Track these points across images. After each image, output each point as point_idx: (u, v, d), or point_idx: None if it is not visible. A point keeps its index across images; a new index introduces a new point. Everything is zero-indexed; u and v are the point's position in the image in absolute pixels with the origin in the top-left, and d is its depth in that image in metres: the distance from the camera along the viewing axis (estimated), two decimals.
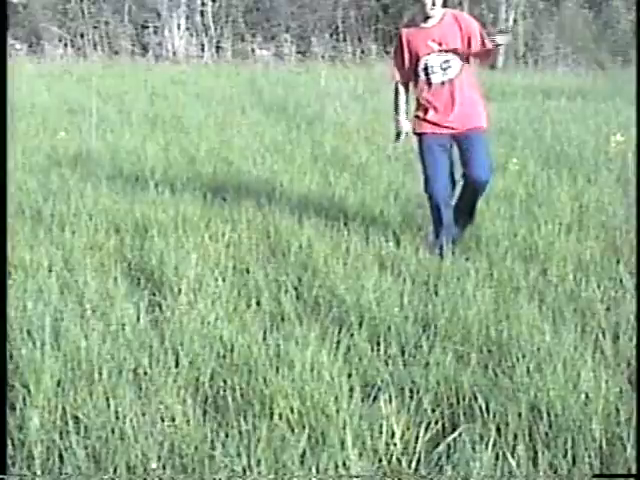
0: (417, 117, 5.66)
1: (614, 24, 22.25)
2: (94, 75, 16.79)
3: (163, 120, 11.56)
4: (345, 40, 23.06)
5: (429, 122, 5.58)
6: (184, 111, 12.39)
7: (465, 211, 5.78)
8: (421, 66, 5.53)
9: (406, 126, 5.72)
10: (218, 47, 24.12)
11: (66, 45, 23.72)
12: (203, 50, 24.19)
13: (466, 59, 5.51)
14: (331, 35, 23.77)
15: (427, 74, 5.55)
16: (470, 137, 5.52)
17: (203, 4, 24.53)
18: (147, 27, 24.36)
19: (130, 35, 24.10)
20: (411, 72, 5.61)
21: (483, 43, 5.42)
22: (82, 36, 23.64)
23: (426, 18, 5.47)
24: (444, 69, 5.50)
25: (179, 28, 24.38)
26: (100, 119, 11.07)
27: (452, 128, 5.53)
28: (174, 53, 24.06)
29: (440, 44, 5.46)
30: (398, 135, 5.78)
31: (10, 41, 21.24)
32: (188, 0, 24.57)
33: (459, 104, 5.52)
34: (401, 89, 5.72)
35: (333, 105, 12.31)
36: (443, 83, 5.54)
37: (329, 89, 13.87)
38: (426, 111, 5.60)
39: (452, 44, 5.45)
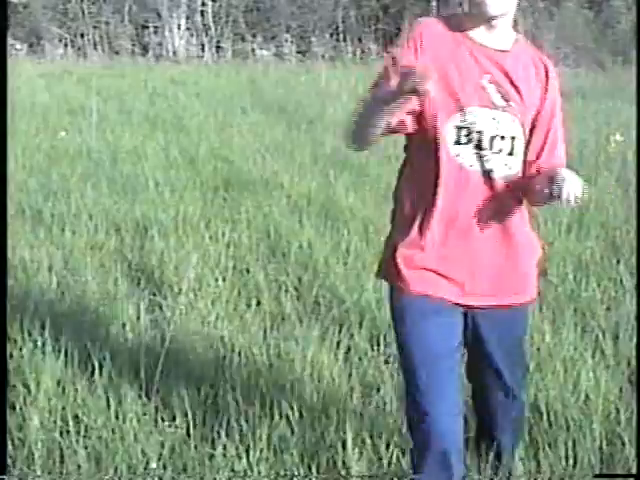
0: (392, 255, 2.65)
1: (614, 24, 22.24)
2: (94, 75, 16.79)
3: (163, 120, 11.55)
4: (345, 40, 23.07)
5: (427, 271, 2.61)
6: (184, 111, 12.39)
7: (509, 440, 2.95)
8: (450, 123, 2.54)
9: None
10: (218, 47, 24.12)
11: (66, 45, 23.72)
12: (203, 50, 24.19)
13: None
14: (331, 35, 23.77)
15: (458, 150, 2.56)
16: (504, 321, 2.71)
17: (203, 4, 24.53)
18: (147, 27, 24.36)
19: (130, 35, 24.09)
20: (427, 125, 2.57)
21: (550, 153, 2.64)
22: (82, 36, 23.63)
23: (483, 24, 2.56)
24: (501, 153, 2.58)
25: (179, 28, 24.38)
26: (100, 119, 11.06)
27: (478, 300, 2.65)
28: (174, 53, 24.05)
29: (505, 95, 2.55)
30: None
31: (10, 41, 21.24)
32: (188, 0, 24.57)
33: (506, 246, 2.65)
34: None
35: (333, 105, 12.30)
36: (492, 188, 2.59)
37: (329, 89, 13.86)
38: (419, 243, 2.61)
39: (528, 106, 2.59)
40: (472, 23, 2.57)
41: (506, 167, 2.58)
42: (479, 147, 2.56)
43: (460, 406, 2.67)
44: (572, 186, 2.42)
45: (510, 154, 2.58)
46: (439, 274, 2.60)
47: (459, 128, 2.54)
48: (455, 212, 2.58)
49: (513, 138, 2.57)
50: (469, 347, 2.74)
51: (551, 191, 2.43)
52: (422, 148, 2.59)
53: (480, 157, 2.57)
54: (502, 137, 2.56)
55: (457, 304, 2.62)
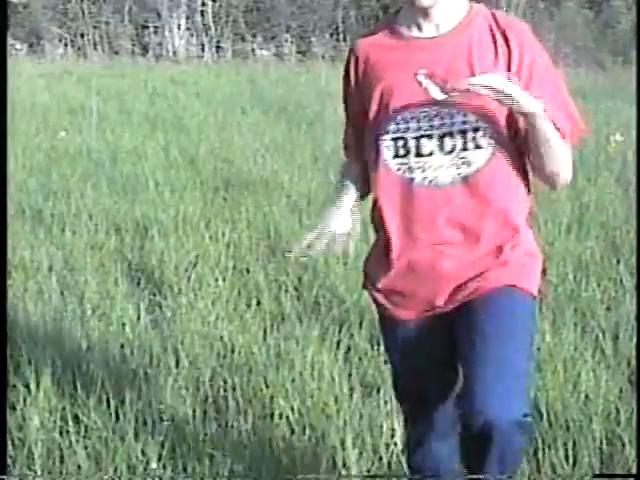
0: (366, 272, 2.57)
1: (614, 24, 22.24)
2: (94, 75, 16.79)
3: (163, 120, 11.54)
4: (345, 40, 23.04)
5: (394, 294, 2.44)
6: (184, 111, 12.38)
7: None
8: (386, 136, 2.35)
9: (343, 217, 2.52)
10: (218, 47, 24.11)
11: (66, 45, 23.72)
12: (203, 50, 24.19)
13: (509, 135, 2.34)
14: (331, 35, 23.76)
15: (400, 162, 2.35)
16: (488, 310, 2.33)
17: (203, 4, 24.52)
18: (147, 27, 24.35)
19: (130, 35, 24.09)
20: (370, 145, 2.41)
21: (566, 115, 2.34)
22: (82, 36, 23.63)
23: (419, 15, 2.34)
24: (455, 151, 2.32)
25: (179, 28, 24.37)
26: (100, 119, 11.06)
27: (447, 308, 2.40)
28: (174, 53, 24.05)
29: (444, 85, 2.29)
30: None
31: (10, 41, 21.23)
32: (188, 0, 24.57)
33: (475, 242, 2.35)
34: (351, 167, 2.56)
35: (333, 105, 12.29)
36: (449, 194, 2.34)
37: (329, 89, 13.84)
38: (387, 265, 2.43)
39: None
40: (408, 17, 2.36)
41: (464, 165, 2.29)
42: (419, 155, 2.31)
43: (450, 419, 2.49)
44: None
45: (464, 149, 2.29)
46: (404, 295, 2.41)
47: (395, 139, 2.33)
48: (411, 231, 2.35)
49: (463, 131, 2.28)
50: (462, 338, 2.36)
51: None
52: (370, 168, 2.42)
53: (423, 165, 2.32)
54: (450, 134, 2.29)
55: (429, 316, 2.41)
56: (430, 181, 2.30)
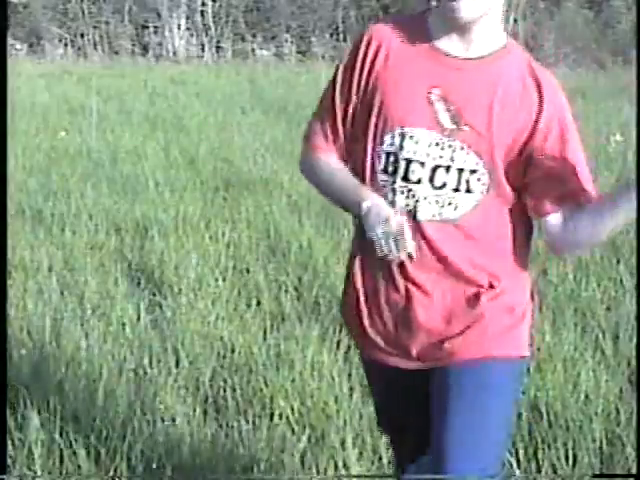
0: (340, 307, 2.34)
1: (614, 24, 22.24)
2: (94, 75, 16.79)
3: (163, 120, 11.55)
4: (345, 40, 23.05)
5: (372, 333, 2.20)
6: (184, 111, 12.39)
7: None
8: (381, 147, 2.09)
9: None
10: (218, 47, 24.13)
11: (66, 45, 23.73)
12: (203, 50, 24.20)
13: (509, 184, 2.09)
14: (331, 35, 23.77)
15: (385, 180, 2.10)
16: (460, 385, 2.13)
17: (203, 4, 24.53)
18: (147, 27, 24.36)
19: (130, 35, 24.10)
20: (362, 150, 2.13)
21: (577, 188, 2.08)
22: (82, 36, 23.65)
23: (453, 27, 2.05)
24: (445, 188, 2.07)
25: (179, 28, 24.38)
26: (100, 119, 11.06)
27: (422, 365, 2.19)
28: (174, 53, 24.06)
29: (456, 115, 2.04)
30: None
31: (10, 41, 21.25)
32: (188, 0, 24.58)
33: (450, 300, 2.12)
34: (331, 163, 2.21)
35: None
36: (427, 234, 2.09)
37: None
38: (354, 301, 2.21)
39: (500, 133, 2.04)
40: (439, 26, 2.06)
41: (450, 206, 2.04)
42: (406, 179, 2.05)
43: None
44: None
45: (456, 190, 2.03)
46: (378, 335, 2.17)
47: (388, 154, 2.07)
48: (387, 262, 2.08)
49: (461, 170, 2.02)
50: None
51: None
52: (355, 174, 2.14)
53: (407, 192, 2.05)
54: (447, 168, 2.03)
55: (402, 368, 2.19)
56: (410, 211, 2.05)
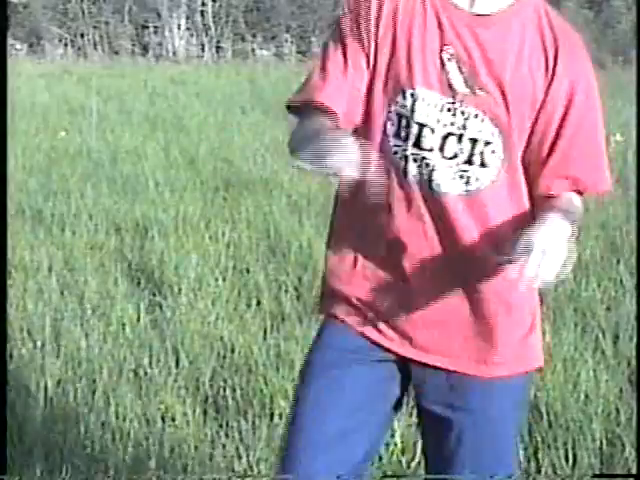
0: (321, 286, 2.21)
1: (614, 24, 22.26)
2: (94, 75, 16.79)
3: (163, 120, 11.55)
4: None
5: (362, 304, 1.96)
6: (184, 111, 12.39)
7: None
8: (393, 107, 1.85)
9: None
10: (218, 47, 24.12)
11: (66, 45, 23.73)
12: (203, 50, 24.20)
13: (519, 169, 1.89)
14: None
15: (397, 144, 1.86)
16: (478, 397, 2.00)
17: (203, 4, 24.53)
18: (147, 27, 24.36)
19: (130, 35, 24.10)
20: (372, 111, 1.88)
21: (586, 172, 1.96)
22: (82, 36, 23.64)
23: None
24: (457, 159, 1.85)
25: (179, 28, 24.38)
26: (100, 119, 11.06)
27: (420, 356, 1.95)
28: (174, 53, 24.06)
29: (471, 78, 1.82)
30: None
31: (10, 41, 21.24)
32: (188, 0, 24.58)
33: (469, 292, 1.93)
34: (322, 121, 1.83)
35: None
36: (440, 207, 1.86)
37: None
38: (350, 272, 2.01)
39: (515, 97, 1.83)
40: None
41: (462, 180, 1.83)
42: (418, 145, 1.83)
43: None
44: (538, 264, 1.67)
45: (468, 162, 1.83)
46: (371, 310, 1.93)
47: (400, 116, 1.84)
48: (394, 232, 1.87)
49: (474, 141, 1.82)
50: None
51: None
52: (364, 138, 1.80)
53: (420, 160, 1.83)
54: (459, 137, 1.82)
55: (389, 350, 1.93)
56: (429, 181, 1.83)
